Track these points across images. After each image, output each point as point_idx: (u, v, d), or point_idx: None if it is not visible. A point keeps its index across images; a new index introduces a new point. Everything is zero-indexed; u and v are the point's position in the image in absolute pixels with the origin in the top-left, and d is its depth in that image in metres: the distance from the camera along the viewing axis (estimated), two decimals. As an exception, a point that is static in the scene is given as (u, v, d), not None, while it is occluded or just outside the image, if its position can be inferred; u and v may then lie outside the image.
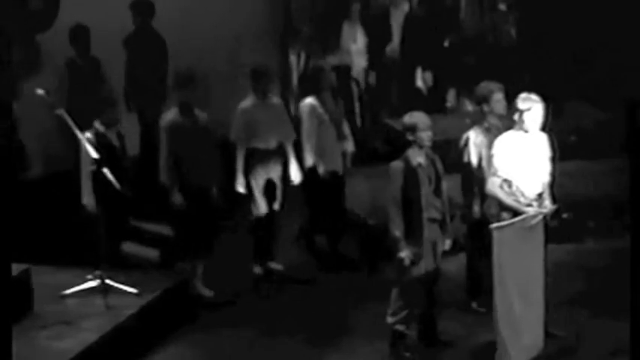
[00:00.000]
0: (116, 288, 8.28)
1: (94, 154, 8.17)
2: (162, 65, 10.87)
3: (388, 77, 12.09)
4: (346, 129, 9.68)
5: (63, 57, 10.16)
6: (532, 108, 7.74)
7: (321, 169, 9.39)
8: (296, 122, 9.53)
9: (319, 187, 9.46)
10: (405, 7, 12.28)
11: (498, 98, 8.43)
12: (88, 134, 8.55)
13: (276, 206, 9.42)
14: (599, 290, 8.81)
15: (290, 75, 11.83)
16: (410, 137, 7.80)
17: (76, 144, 8.29)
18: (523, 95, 7.80)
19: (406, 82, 12.11)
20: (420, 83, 12.15)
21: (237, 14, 11.80)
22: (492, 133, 8.26)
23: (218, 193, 9.10)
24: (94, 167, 8.17)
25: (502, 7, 11.98)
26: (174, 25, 10.94)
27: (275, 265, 9.54)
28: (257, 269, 9.51)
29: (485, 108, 8.45)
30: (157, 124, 10.46)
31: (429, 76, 12.13)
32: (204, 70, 10.18)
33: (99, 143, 8.53)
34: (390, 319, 7.94)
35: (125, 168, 8.74)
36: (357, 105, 12.11)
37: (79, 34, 10.34)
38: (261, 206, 9.33)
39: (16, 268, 7.95)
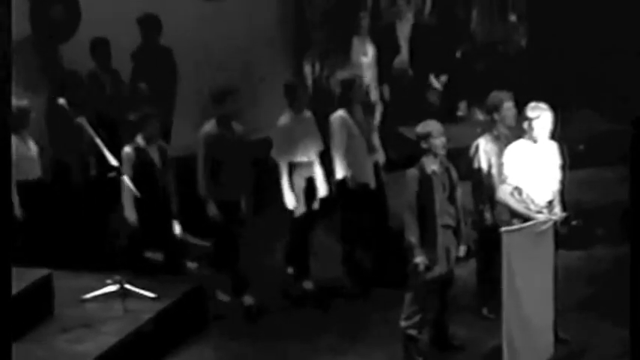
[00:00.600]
0: (135, 292, 8.40)
1: (114, 162, 8.30)
2: (170, 78, 10.95)
3: (399, 89, 12.18)
4: (376, 141, 9.69)
5: (84, 68, 10.25)
6: (541, 116, 7.87)
7: (349, 180, 9.38)
8: (324, 134, 9.56)
9: (351, 199, 9.45)
10: (410, 18, 12.37)
11: (509, 107, 8.57)
12: (128, 148, 8.71)
13: (316, 205, 9.47)
14: (607, 295, 8.89)
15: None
16: (424, 145, 7.95)
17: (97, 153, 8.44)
18: (532, 104, 7.94)
19: (418, 92, 12.21)
20: (435, 84, 12.19)
21: (249, 25, 11.88)
22: (502, 142, 8.40)
23: (248, 204, 9.20)
24: (113, 174, 8.30)
25: (512, 18, 12.05)
26: (186, 38, 11.02)
27: (290, 270, 9.63)
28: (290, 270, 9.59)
29: (496, 117, 8.59)
30: (168, 135, 10.56)
31: (443, 79, 12.20)
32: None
33: (138, 157, 8.69)
34: (403, 324, 8.05)
35: (163, 183, 8.87)
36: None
37: (100, 47, 10.42)
38: (300, 205, 9.35)
39: (37, 273, 8.16)
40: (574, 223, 9.33)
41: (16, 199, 8.92)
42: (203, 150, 9.03)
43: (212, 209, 9.02)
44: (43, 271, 8.22)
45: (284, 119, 9.36)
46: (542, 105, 7.93)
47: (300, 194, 9.34)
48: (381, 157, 9.69)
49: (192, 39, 11.10)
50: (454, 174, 8.09)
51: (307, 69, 11.94)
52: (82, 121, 8.38)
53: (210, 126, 9.09)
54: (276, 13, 12.31)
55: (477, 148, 8.60)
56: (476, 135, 8.85)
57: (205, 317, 8.79)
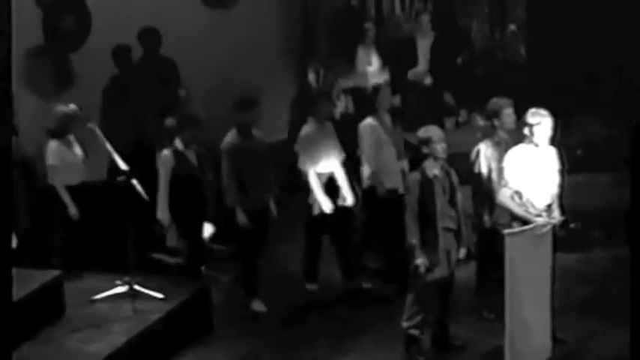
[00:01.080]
0: (143, 293, 8.54)
1: (123, 166, 8.45)
2: (173, 88, 10.99)
3: (412, 99, 12.13)
4: (402, 148, 9.70)
5: (95, 75, 10.37)
6: (541, 122, 7.97)
7: (380, 190, 9.43)
8: (346, 140, 9.60)
9: (378, 206, 9.49)
10: (432, 34, 12.38)
11: (508, 113, 8.70)
12: (166, 151, 8.84)
13: (349, 200, 9.43)
14: (604, 297, 9.04)
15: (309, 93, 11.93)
16: (425, 150, 8.10)
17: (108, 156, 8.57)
18: (532, 110, 8.04)
19: (435, 102, 12.20)
20: (448, 100, 12.27)
21: (254, 32, 11.98)
22: (502, 147, 8.53)
23: (276, 209, 9.26)
24: (123, 178, 8.43)
25: (512, 27, 12.13)
26: (190, 47, 11.12)
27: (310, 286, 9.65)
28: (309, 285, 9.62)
29: (496, 122, 8.72)
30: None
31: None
32: (225, 90, 10.39)
33: (176, 160, 8.81)
34: (404, 324, 8.21)
35: (202, 187, 8.94)
36: None
37: (121, 53, 10.55)
38: (326, 203, 9.31)
39: (48, 274, 8.33)
40: (572, 226, 9.47)
41: (68, 200, 9.10)
42: (227, 160, 9.04)
43: (241, 217, 9.04)
44: (54, 272, 8.39)
45: (306, 129, 9.37)
46: (543, 111, 8.03)
47: (321, 180, 9.34)
48: (405, 164, 9.69)
49: (196, 46, 11.20)
50: (455, 178, 8.23)
51: (311, 76, 12.05)
52: (92, 126, 8.54)
53: (232, 136, 9.11)
54: (280, 20, 12.42)
55: (477, 153, 8.72)
56: (476, 140, 8.97)
57: (212, 318, 8.92)
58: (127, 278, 8.61)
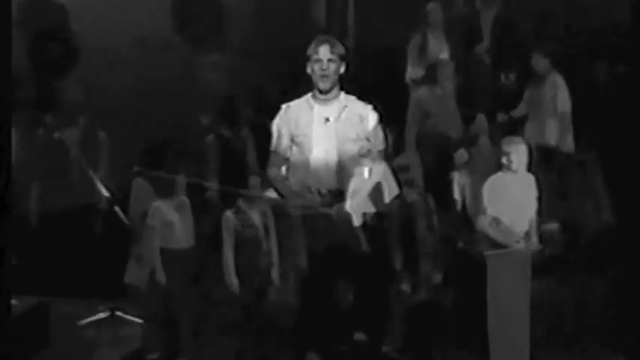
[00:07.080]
0: (125, 319, 8.68)
1: (106, 193, 8.59)
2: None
3: (474, 76, 11.22)
4: None
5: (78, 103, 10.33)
6: (517, 150, 8.09)
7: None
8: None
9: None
10: (495, 9, 11.35)
11: (483, 140, 8.92)
12: (228, 212, 8.30)
13: None
14: (582, 321, 9.18)
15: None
16: (403, 177, 8.13)
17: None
18: (506, 138, 8.19)
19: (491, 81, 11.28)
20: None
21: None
22: (476, 174, 8.70)
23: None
24: (105, 205, 8.60)
25: (511, 77, 11.67)
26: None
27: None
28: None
29: (472, 150, 8.95)
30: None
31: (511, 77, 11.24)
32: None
33: (239, 220, 8.29)
34: (384, 348, 8.33)
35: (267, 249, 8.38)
36: None
37: (228, 105, 10.25)
38: None
39: (34, 301, 8.44)
40: (546, 252, 9.56)
41: None
42: None
43: None
44: (40, 299, 8.50)
45: None
46: (516, 138, 8.20)
47: None
48: None
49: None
50: (432, 203, 8.40)
51: None
52: (75, 154, 8.66)
53: None
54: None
55: (451, 180, 8.92)
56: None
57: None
58: (109, 304, 8.75)
